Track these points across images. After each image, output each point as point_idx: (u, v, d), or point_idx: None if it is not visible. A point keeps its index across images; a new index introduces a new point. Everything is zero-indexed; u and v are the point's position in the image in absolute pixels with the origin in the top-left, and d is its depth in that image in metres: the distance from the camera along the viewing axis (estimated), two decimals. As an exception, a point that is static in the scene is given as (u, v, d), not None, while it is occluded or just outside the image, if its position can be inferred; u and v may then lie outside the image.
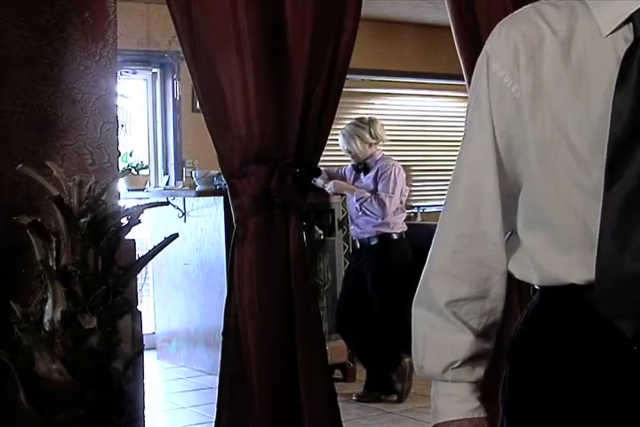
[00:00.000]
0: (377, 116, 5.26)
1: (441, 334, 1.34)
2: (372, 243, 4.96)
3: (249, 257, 2.75)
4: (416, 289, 1.39)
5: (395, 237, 4.95)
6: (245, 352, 2.74)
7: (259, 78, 2.69)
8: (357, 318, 5.00)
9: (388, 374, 4.93)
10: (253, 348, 2.73)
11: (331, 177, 5.19)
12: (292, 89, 2.75)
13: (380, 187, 4.92)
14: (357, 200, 4.95)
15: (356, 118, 5.21)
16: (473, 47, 3.13)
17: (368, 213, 4.93)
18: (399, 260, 4.95)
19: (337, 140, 5.00)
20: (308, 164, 2.82)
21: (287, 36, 2.75)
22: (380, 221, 4.91)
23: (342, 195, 5.32)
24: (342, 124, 5.34)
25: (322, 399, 2.83)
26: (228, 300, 2.78)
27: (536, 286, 1.33)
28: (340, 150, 5.20)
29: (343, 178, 5.21)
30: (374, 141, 4.98)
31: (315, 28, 2.76)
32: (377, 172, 4.95)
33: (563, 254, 1.25)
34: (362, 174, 5.05)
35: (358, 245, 5.09)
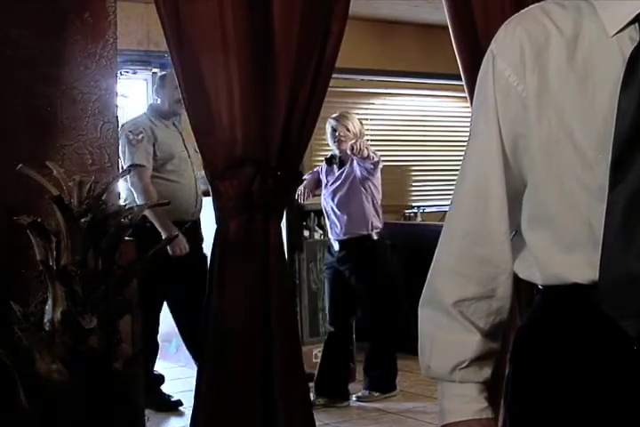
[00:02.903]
0: (377, 117, 5.23)
1: (448, 334, 1.33)
2: (352, 245, 4.79)
3: (229, 258, 2.77)
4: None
5: (375, 237, 4.83)
6: (225, 351, 2.77)
7: (244, 82, 2.71)
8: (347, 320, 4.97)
9: (392, 372, 4.92)
10: (233, 347, 2.76)
11: (310, 184, 5.07)
12: (277, 92, 2.77)
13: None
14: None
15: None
16: (470, 47, 3.14)
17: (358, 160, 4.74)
18: (385, 260, 4.88)
19: (326, 142, 4.91)
20: (290, 167, 2.85)
21: (274, 40, 2.76)
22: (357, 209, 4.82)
23: None
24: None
25: (297, 398, 2.87)
26: (209, 299, 2.80)
27: (539, 286, 1.33)
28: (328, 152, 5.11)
29: (318, 177, 5.08)
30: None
31: (301, 32, 2.77)
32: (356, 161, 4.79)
33: (566, 254, 1.25)
34: (335, 168, 4.89)
35: (337, 247, 4.84)
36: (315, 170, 5.19)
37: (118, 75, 2.90)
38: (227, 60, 2.69)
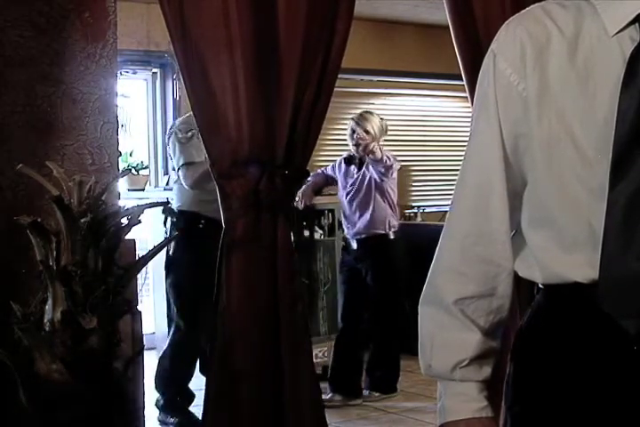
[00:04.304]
0: (377, 117, 5.20)
1: (449, 332, 1.33)
2: (370, 243, 4.88)
3: (237, 257, 2.77)
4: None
5: (392, 236, 4.91)
6: (233, 351, 2.76)
7: (250, 81, 2.70)
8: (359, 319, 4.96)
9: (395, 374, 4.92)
10: (241, 347, 2.76)
11: (308, 191, 5.08)
12: (283, 92, 2.77)
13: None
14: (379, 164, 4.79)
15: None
16: (471, 46, 3.14)
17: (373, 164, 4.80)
18: (399, 260, 4.91)
19: (331, 141, 4.91)
20: (296, 166, 2.85)
21: (279, 39, 2.76)
22: (371, 210, 4.83)
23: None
24: (342, 124, 5.32)
25: (308, 399, 2.86)
26: (217, 299, 2.80)
27: (540, 285, 1.33)
28: (335, 151, 5.10)
29: (333, 176, 5.08)
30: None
31: (307, 31, 2.77)
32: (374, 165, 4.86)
33: (567, 253, 1.26)
34: (354, 169, 4.92)
35: (355, 246, 4.94)
36: (318, 171, 5.19)
37: (118, 75, 2.90)
38: (232, 60, 2.68)
